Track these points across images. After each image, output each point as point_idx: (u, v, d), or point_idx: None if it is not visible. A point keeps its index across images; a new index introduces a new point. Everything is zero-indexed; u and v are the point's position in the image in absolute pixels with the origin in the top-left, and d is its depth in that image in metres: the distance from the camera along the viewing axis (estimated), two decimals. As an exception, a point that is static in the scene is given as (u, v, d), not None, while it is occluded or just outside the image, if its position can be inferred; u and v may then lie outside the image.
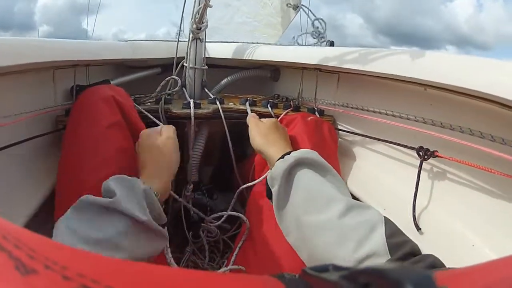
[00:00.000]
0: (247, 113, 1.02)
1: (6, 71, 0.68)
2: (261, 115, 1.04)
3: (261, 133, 0.79)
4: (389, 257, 0.47)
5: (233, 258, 0.79)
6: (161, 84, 1.08)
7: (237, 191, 0.98)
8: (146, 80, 1.31)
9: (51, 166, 0.85)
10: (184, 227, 1.06)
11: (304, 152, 0.67)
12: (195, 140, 1.03)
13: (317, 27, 1.30)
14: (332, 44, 1.19)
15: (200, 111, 0.98)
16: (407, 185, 0.75)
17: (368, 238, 0.50)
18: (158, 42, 1.44)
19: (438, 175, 0.74)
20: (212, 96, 1.10)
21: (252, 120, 0.85)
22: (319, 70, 1.08)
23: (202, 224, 1.02)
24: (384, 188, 0.84)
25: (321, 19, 1.39)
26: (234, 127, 1.03)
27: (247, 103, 1.06)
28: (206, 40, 1.14)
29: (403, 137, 0.80)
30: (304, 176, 0.63)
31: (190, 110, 0.96)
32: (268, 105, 1.05)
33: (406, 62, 0.75)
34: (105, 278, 0.16)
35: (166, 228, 0.60)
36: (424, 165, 0.72)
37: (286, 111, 1.03)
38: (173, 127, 0.76)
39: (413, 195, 0.71)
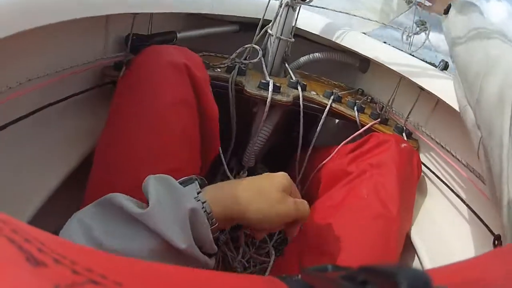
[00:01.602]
0: (326, 109, 0.88)
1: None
2: (343, 116, 0.89)
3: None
4: None
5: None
6: (237, 51, 0.93)
7: (296, 183, 0.90)
8: (219, 36, 1.16)
9: (92, 126, 0.75)
10: None
11: None
12: (263, 125, 0.90)
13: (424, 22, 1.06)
14: (446, 66, 0.97)
15: (278, 97, 0.83)
16: None
17: None
18: None
19: None
20: (294, 77, 0.95)
21: None
22: (421, 89, 0.89)
23: None
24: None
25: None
26: (304, 114, 0.89)
27: (332, 97, 0.90)
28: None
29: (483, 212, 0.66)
30: None
31: (268, 94, 0.82)
32: (355, 108, 0.89)
33: None
34: (114, 274, 0.16)
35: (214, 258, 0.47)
36: None
37: (373, 122, 0.87)
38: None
39: None
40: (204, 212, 0.41)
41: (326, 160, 0.87)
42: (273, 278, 0.26)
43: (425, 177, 0.85)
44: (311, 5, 0.92)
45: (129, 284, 0.16)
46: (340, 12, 0.98)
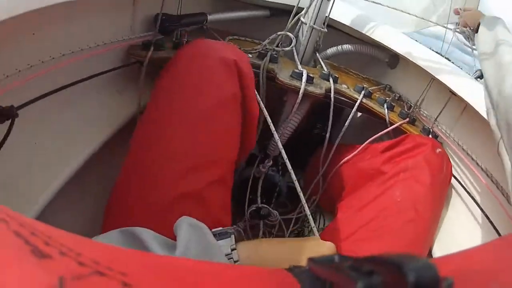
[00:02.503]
0: (356, 103, 0.87)
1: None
2: (372, 113, 0.88)
3: None
4: None
5: None
6: (270, 37, 0.91)
7: (318, 177, 0.95)
8: (248, 21, 1.14)
9: (118, 105, 0.75)
10: (246, 201, 0.98)
11: None
12: (293, 115, 0.89)
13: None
14: (481, 75, 0.96)
15: (311, 88, 0.82)
16: None
17: None
18: None
19: None
20: (325, 69, 0.93)
21: None
22: (452, 93, 0.88)
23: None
24: None
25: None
26: (327, 107, 0.88)
27: (362, 92, 0.89)
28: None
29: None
30: None
31: (300, 84, 0.81)
32: (385, 105, 0.88)
33: None
34: (119, 265, 0.16)
35: None
36: None
37: (402, 122, 0.86)
38: None
39: None
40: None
41: (350, 156, 0.87)
42: (280, 270, 0.26)
43: (451, 187, 0.84)
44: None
45: (134, 275, 0.16)
46: (380, 4, 0.95)
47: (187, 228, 0.39)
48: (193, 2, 0.97)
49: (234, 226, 0.47)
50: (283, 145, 0.94)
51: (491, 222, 0.68)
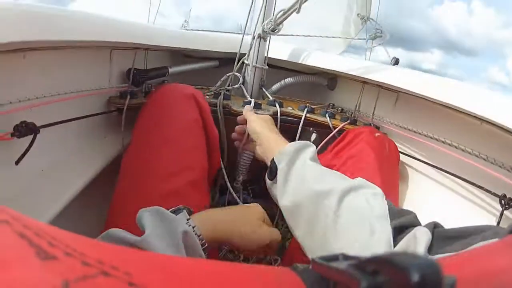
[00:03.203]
0: (302, 119, 1.02)
1: (62, 45, 0.67)
2: (318, 124, 1.04)
3: (263, 124, 0.79)
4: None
5: None
6: (221, 79, 1.08)
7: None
8: (202, 71, 1.32)
9: (98, 147, 0.87)
10: None
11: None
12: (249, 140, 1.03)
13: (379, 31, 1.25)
14: (397, 62, 1.15)
15: (260, 112, 0.97)
16: None
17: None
18: (218, 35, 1.44)
19: None
20: (271, 98, 1.10)
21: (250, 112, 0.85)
22: (380, 87, 1.06)
23: None
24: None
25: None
26: (286, 132, 1.02)
27: (305, 109, 1.05)
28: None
29: (477, 177, 0.75)
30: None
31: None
32: (327, 115, 1.04)
33: (464, 93, 0.75)
34: (124, 265, 0.16)
35: None
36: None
37: (344, 123, 1.02)
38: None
39: None
40: (195, 234, 0.48)
41: None
42: (284, 268, 0.26)
43: (405, 165, 0.97)
44: (280, 34, 1.09)
45: (139, 274, 0.16)
46: (309, 36, 1.15)
47: (147, 214, 0.47)
48: (156, 59, 1.14)
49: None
50: (247, 168, 1.07)
51: (454, 175, 0.79)
